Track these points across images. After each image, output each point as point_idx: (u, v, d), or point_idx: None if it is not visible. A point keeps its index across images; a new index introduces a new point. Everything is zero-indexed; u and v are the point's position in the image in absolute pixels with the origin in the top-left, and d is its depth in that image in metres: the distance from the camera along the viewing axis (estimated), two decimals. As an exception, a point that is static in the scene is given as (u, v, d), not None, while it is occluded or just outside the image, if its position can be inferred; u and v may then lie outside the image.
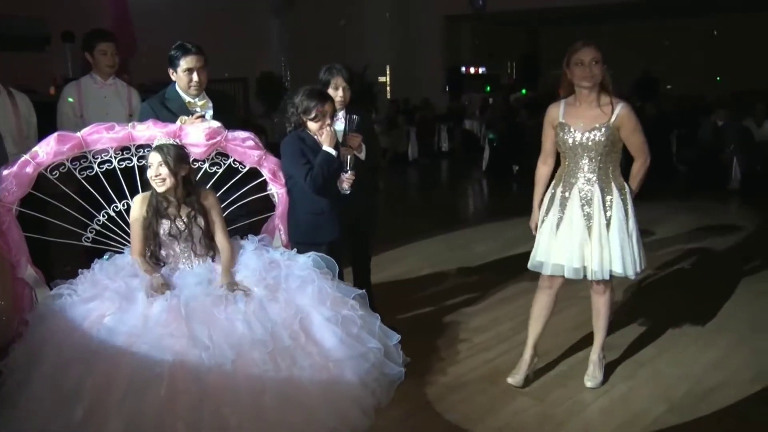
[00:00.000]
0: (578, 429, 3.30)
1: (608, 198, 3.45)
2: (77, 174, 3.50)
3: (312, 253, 3.46)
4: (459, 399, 3.58)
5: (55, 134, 3.46)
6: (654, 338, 4.32)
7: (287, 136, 3.72)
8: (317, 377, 3.01)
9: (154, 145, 3.33)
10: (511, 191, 10.94)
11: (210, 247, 3.42)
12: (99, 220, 3.60)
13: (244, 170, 3.81)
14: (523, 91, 16.97)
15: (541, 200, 3.70)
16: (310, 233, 3.72)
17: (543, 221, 3.64)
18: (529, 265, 3.70)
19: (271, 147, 3.89)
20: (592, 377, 3.68)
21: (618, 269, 3.47)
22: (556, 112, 3.56)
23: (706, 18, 16.87)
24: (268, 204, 3.96)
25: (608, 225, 3.44)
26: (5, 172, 3.31)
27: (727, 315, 4.74)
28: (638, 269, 3.52)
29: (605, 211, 3.45)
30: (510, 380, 3.66)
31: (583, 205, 3.48)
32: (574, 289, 5.21)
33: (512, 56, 21.41)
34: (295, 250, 3.56)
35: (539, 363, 3.86)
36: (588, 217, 3.47)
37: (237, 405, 2.80)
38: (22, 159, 3.36)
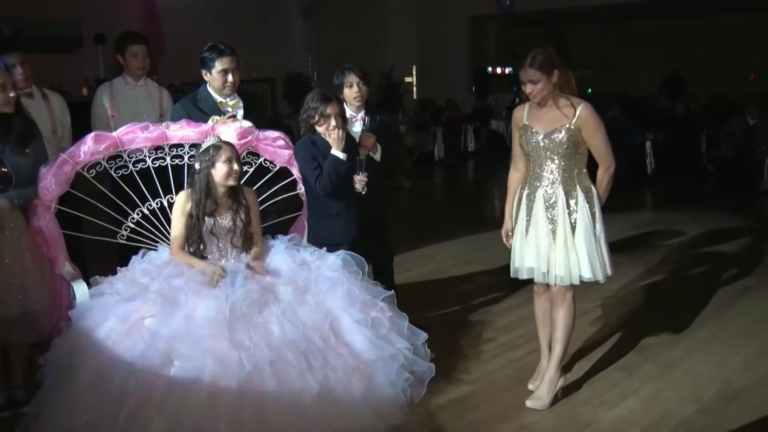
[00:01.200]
0: (606, 429, 3.30)
1: (572, 201, 3.35)
2: (113, 173, 3.59)
3: (342, 252, 3.50)
4: (485, 397, 3.60)
5: (92, 134, 3.54)
6: (682, 340, 4.30)
7: (299, 140, 3.75)
8: (351, 377, 3.05)
9: (210, 143, 3.38)
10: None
11: (248, 241, 3.48)
12: (133, 218, 3.68)
13: (275, 169, 3.86)
14: (589, 90, 16.87)
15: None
16: (327, 235, 3.74)
17: (515, 226, 3.56)
18: (511, 273, 3.63)
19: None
20: (536, 398, 3.49)
21: (587, 274, 3.37)
22: (521, 114, 3.47)
23: (734, 14, 16.64)
24: (298, 203, 4.01)
25: (573, 229, 3.35)
26: (45, 171, 3.39)
27: (757, 317, 4.70)
28: (608, 272, 3.44)
29: (570, 215, 3.35)
30: (530, 386, 3.63)
31: (547, 208, 3.38)
32: (594, 291, 5.23)
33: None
34: (324, 248, 3.59)
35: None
36: (552, 221, 3.37)
37: (277, 405, 2.84)
38: (61, 158, 3.44)
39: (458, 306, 4.90)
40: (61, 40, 11.25)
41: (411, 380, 3.22)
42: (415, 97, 17.10)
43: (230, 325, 2.96)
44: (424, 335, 3.41)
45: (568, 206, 3.35)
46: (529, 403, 3.48)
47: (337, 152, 3.58)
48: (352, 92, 3.97)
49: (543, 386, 3.52)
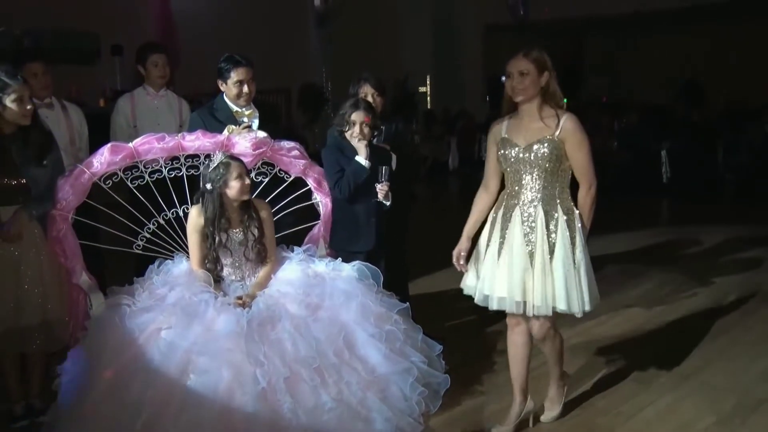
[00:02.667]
0: (623, 440, 3.28)
1: (552, 223, 3.08)
2: (129, 183, 3.61)
3: (357, 263, 3.50)
4: (499, 408, 3.58)
5: (109, 145, 3.56)
6: (699, 349, 4.26)
7: (326, 146, 3.79)
8: (365, 391, 3.04)
9: (220, 160, 3.37)
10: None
11: (261, 254, 3.49)
12: (149, 228, 3.70)
13: (290, 179, 3.88)
14: (565, 100, 16.83)
15: (475, 228, 3.39)
16: (346, 241, 3.78)
17: (486, 249, 3.27)
18: (476, 299, 3.30)
19: (312, 157, 3.95)
20: (547, 410, 3.47)
21: (562, 305, 3.06)
22: (500, 127, 3.23)
23: (753, 21, 16.53)
24: (313, 213, 4.02)
25: (552, 252, 3.06)
26: (62, 182, 3.42)
27: (776, 326, 4.65)
28: (586, 307, 3.09)
29: (548, 236, 3.07)
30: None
31: (524, 229, 3.12)
32: (609, 301, 5.20)
33: (553, 65, 21.25)
34: (340, 258, 3.60)
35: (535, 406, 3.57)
36: (530, 243, 3.10)
37: (293, 419, 2.85)
38: (78, 169, 3.47)
39: (473, 316, 4.87)
40: (79, 52, 11.37)
41: (426, 393, 3.20)
42: (428, 106, 17.11)
43: (247, 339, 2.97)
44: (439, 347, 3.40)
45: (548, 228, 3.09)
46: (542, 417, 3.46)
47: (360, 159, 3.60)
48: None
49: (550, 403, 3.48)
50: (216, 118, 3.94)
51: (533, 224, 3.11)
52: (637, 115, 11.42)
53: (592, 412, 3.52)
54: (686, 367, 4.02)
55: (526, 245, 3.11)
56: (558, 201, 3.12)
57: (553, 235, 3.08)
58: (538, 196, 3.12)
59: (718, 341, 4.38)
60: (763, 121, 9.98)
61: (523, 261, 3.11)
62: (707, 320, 4.75)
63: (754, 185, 9.67)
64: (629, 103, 13.15)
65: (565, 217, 3.10)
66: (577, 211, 3.14)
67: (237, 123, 3.89)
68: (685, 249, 6.86)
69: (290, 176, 3.87)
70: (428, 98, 17.73)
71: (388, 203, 3.74)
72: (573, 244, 3.08)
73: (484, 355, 4.23)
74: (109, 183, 3.55)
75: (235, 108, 3.97)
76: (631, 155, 10.74)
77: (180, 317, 3.06)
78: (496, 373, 4.00)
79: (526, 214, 3.14)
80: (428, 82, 17.63)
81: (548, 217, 3.10)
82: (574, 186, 3.19)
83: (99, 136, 4.40)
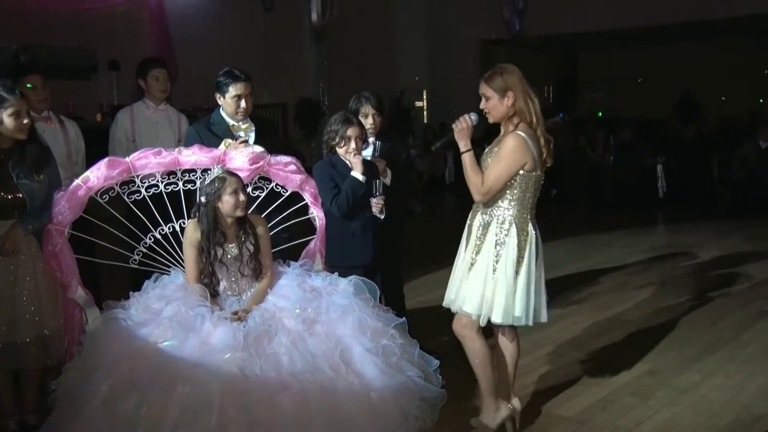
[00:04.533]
0: (621, 455, 3.26)
1: (486, 231, 3.19)
2: (126, 198, 3.61)
3: (353, 277, 3.50)
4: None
5: (106, 159, 3.57)
6: (697, 364, 4.26)
7: (319, 162, 3.79)
8: (360, 406, 3.03)
9: (218, 174, 3.37)
10: (549, 214, 10.88)
11: (257, 270, 3.48)
12: (146, 243, 3.69)
13: (286, 194, 3.88)
14: (561, 115, 16.90)
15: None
16: (343, 256, 3.76)
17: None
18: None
19: (308, 172, 3.95)
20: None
21: (453, 305, 3.28)
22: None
23: (745, 39, 16.65)
24: (310, 227, 4.01)
25: (476, 255, 3.20)
26: (58, 196, 3.42)
27: (773, 341, 4.64)
28: (493, 317, 3.16)
29: (476, 243, 3.21)
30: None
31: (476, 235, 3.24)
32: (606, 314, 5.20)
33: (549, 80, 21.36)
34: (336, 273, 3.59)
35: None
36: (477, 251, 3.23)
37: None
38: (75, 183, 3.47)
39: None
40: (76, 67, 11.38)
41: (422, 407, 3.19)
42: (425, 121, 17.15)
43: (243, 353, 2.96)
44: (436, 362, 3.38)
45: (480, 236, 3.19)
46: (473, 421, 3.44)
47: (357, 174, 3.60)
48: (366, 122, 3.98)
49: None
50: (213, 132, 3.94)
51: (484, 232, 3.22)
52: (632, 129, 11.47)
53: (590, 427, 3.51)
54: (683, 381, 4.01)
55: (474, 252, 3.24)
56: (497, 212, 3.19)
57: (478, 243, 3.20)
58: (486, 206, 3.22)
59: (715, 356, 4.37)
60: (757, 135, 10.02)
61: (461, 265, 3.29)
62: (703, 334, 4.75)
63: (748, 199, 9.69)
64: (625, 118, 13.22)
65: (517, 230, 3.15)
66: (532, 231, 3.19)
67: (234, 137, 3.89)
68: (681, 263, 6.87)
69: (287, 191, 3.87)
70: (425, 113, 17.77)
71: (382, 217, 3.74)
72: (497, 255, 3.15)
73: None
74: (105, 197, 3.55)
75: (231, 122, 3.98)
76: (627, 170, 10.78)
77: (176, 331, 3.05)
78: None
79: (480, 221, 3.25)
80: (425, 97, 17.70)
81: (485, 226, 3.20)
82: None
83: (96, 150, 4.41)
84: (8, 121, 3.23)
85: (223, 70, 3.96)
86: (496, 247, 3.16)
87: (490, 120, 3.27)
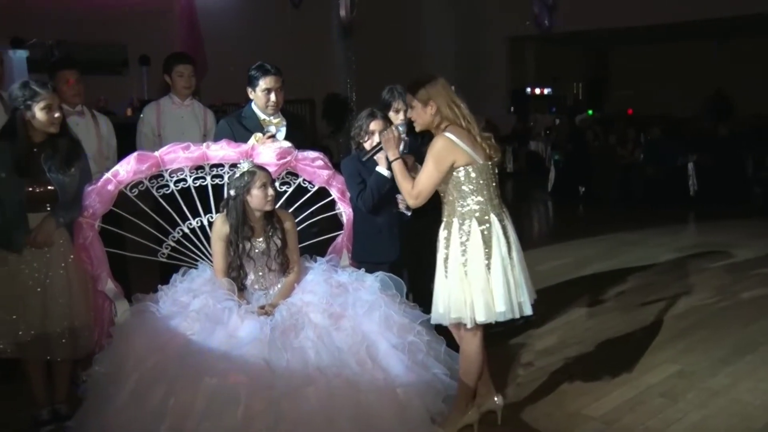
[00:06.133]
0: (649, 457, 3.22)
1: (445, 232, 3.23)
2: (155, 192, 3.64)
3: (380, 273, 3.49)
4: (524, 422, 3.54)
5: (135, 154, 3.60)
6: (729, 366, 4.18)
7: (346, 157, 3.79)
8: (386, 401, 3.03)
9: (246, 169, 3.40)
10: (577, 213, 10.80)
11: (284, 265, 3.49)
12: (174, 236, 3.72)
13: (313, 189, 3.88)
14: (590, 111, 16.74)
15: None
16: (369, 252, 3.76)
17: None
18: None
19: (336, 167, 3.96)
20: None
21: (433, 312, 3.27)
22: None
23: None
24: (337, 223, 4.01)
25: (446, 262, 3.21)
26: (89, 190, 3.46)
27: (808, 343, 4.54)
28: (443, 320, 3.22)
29: (445, 251, 3.23)
30: None
31: (437, 249, 3.30)
32: (634, 314, 5.13)
33: (578, 77, 21.16)
34: (363, 269, 3.59)
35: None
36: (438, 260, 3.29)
37: (312, 428, 2.84)
38: (105, 177, 3.51)
39: (498, 328, 4.83)
40: (107, 63, 11.58)
41: (448, 403, 3.18)
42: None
43: (270, 346, 2.97)
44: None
45: (461, 236, 3.17)
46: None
47: (382, 169, 3.58)
48: (397, 118, 3.96)
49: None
50: (244, 126, 3.97)
51: (439, 243, 3.28)
52: (663, 127, 11.31)
53: (618, 428, 3.46)
54: (714, 383, 3.94)
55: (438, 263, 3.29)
56: (455, 213, 3.20)
57: (446, 251, 3.22)
58: (446, 213, 3.26)
59: (747, 358, 4.28)
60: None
61: (438, 278, 3.29)
62: (735, 336, 4.66)
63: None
64: (655, 116, 13.04)
65: (458, 226, 3.18)
66: (477, 227, 3.15)
67: (264, 131, 3.91)
68: (712, 262, 6.75)
69: (314, 186, 3.87)
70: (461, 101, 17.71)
71: (409, 213, 3.73)
72: (464, 253, 3.15)
73: (508, 367, 4.19)
74: (135, 191, 3.58)
75: (262, 116, 4.00)
76: (657, 168, 10.63)
77: (204, 324, 3.08)
78: (521, 386, 3.95)
79: (440, 233, 3.29)
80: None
81: (448, 232, 3.22)
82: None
83: (125, 144, 4.46)
84: (40, 115, 3.28)
85: (256, 64, 3.98)
86: (461, 247, 3.16)
87: (417, 128, 3.35)
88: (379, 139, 3.62)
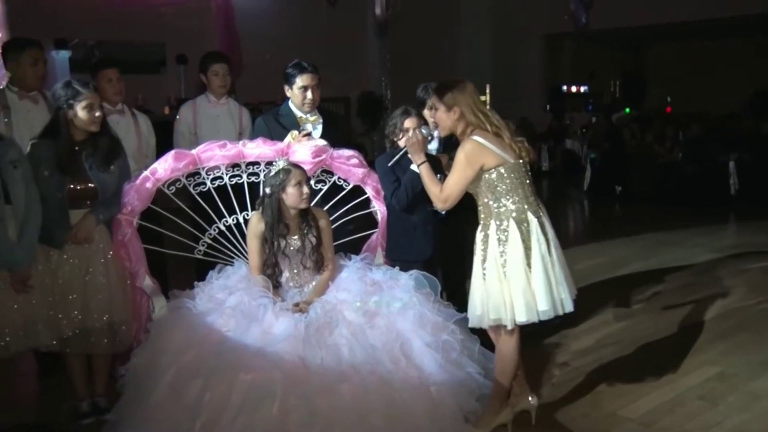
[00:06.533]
0: (688, 460, 3.17)
1: (488, 236, 3.19)
2: (191, 189, 3.68)
3: (414, 272, 3.49)
4: (559, 422, 3.51)
5: (173, 152, 3.65)
6: (769, 370, 4.09)
7: (381, 155, 3.80)
8: (419, 399, 3.03)
9: (282, 167, 3.43)
10: (614, 212, 10.66)
11: (319, 262, 3.51)
12: (210, 234, 3.76)
13: (348, 187, 3.89)
14: (627, 110, 16.51)
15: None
16: (403, 250, 3.76)
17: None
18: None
19: (370, 165, 3.96)
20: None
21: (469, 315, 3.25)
22: None
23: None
24: (372, 221, 4.02)
25: (485, 264, 3.18)
26: (128, 187, 3.51)
27: None
28: (475, 322, 3.22)
29: (482, 252, 3.20)
30: None
31: (474, 251, 3.30)
32: (672, 315, 5.04)
33: (615, 74, 20.89)
34: (397, 267, 3.59)
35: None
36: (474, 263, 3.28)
37: (346, 424, 2.85)
38: (143, 175, 3.56)
39: (533, 327, 4.79)
40: (146, 62, 11.77)
41: (482, 402, 3.17)
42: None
43: (304, 343, 2.98)
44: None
45: (498, 237, 3.16)
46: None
47: (416, 167, 3.58)
48: (431, 113, 3.96)
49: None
50: (280, 124, 4.00)
51: (476, 245, 3.27)
52: (702, 125, 11.09)
53: (656, 430, 3.41)
54: (755, 386, 3.85)
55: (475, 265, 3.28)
56: (492, 215, 3.18)
57: (483, 252, 3.20)
58: (479, 208, 3.25)
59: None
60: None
61: (475, 281, 3.28)
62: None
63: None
64: (694, 114, 12.81)
65: (497, 231, 3.15)
66: (494, 226, 3.16)
67: (300, 129, 3.93)
68: (752, 263, 6.60)
69: (348, 184, 3.89)
70: (489, 107, 17.60)
71: (443, 212, 3.72)
72: (503, 254, 3.14)
73: (543, 367, 4.16)
74: (172, 189, 3.63)
75: (299, 114, 4.02)
76: (696, 166, 10.44)
77: (239, 321, 3.11)
78: (556, 386, 3.92)
79: (477, 235, 3.29)
80: (488, 91, 17.53)
81: (485, 234, 3.21)
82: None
83: (163, 143, 4.52)
84: (82, 114, 3.34)
85: (293, 62, 4.01)
86: (500, 248, 3.13)
87: (441, 133, 3.40)
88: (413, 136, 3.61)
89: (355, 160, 3.84)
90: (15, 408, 3.49)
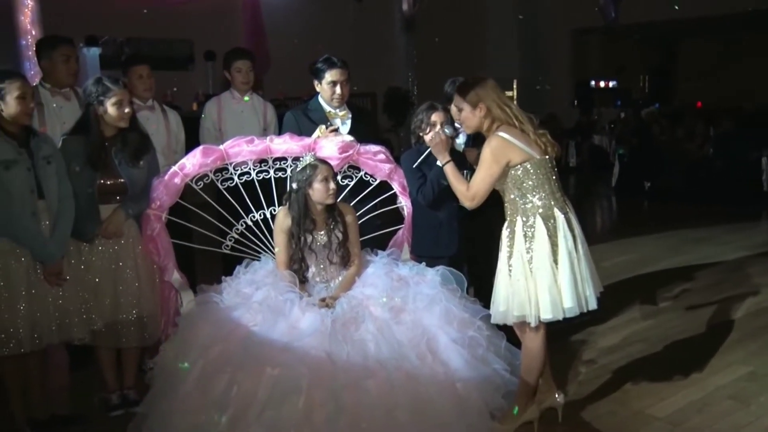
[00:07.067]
0: (718, 460, 3.13)
1: (514, 232, 3.16)
2: (219, 185, 3.71)
3: (441, 267, 3.49)
4: (584, 421, 3.48)
5: (201, 147, 3.69)
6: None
7: (407, 151, 3.80)
8: (445, 395, 3.03)
9: (309, 162, 3.44)
10: (642, 208, 10.54)
11: (345, 258, 3.52)
12: (238, 229, 3.79)
13: (375, 183, 3.90)
14: (657, 105, 16.29)
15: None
16: (429, 246, 3.76)
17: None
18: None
19: (397, 161, 3.96)
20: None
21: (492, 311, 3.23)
22: None
23: None
24: (400, 216, 4.02)
25: (510, 260, 3.16)
26: (156, 182, 3.55)
27: None
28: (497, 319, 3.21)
29: (508, 248, 3.18)
30: None
31: (500, 247, 3.27)
32: (702, 314, 4.97)
33: (644, 69, 20.62)
34: (424, 263, 3.59)
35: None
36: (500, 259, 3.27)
37: (372, 420, 2.86)
38: (172, 170, 3.60)
39: (560, 324, 4.76)
40: (175, 58, 11.89)
41: (508, 399, 3.17)
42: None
43: (331, 338, 3.00)
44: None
45: (525, 233, 3.13)
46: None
47: (442, 163, 3.56)
48: (457, 115, 3.95)
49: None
50: (310, 119, 4.01)
51: (502, 241, 3.25)
52: (733, 121, 10.90)
53: (685, 429, 3.37)
54: (789, 387, 3.80)
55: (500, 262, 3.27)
56: (519, 211, 3.16)
57: (509, 248, 3.18)
58: (509, 212, 3.22)
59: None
60: None
61: (501, 277, 3.26)
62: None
63: None
64: (725, 109, 12.59)
65: (523, 227, 3.13)
66: (520, 221, 3.14)
67: (329, 124, 3.95)
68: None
69: (375, 180, 3.89)
70: (515, 102, 17.49)
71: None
72: (530, 250, 3.12)
73: (569, 365, 4.13)
74: (200, 184, 3.66)
75: (328, 109, 4.04)
76: (728, 163, 10.27)
77: (266, 315, 3.13)
78: (583, 384, 3.89)
79: (503, 232, 3.27)
80: (515, 87, 17.42)
81: (511, 230, 3.19)
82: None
83: (191, 138, 4.57)
84: (111, 110, 3.39)
85: (323, 57, 4.02)
86: (526, 244, 3.11)
87: (467, 131, 3.40)
88: (442, 130, 3.59)
89: (381, 156, 3.84)
90: (48, 399, 3.55)
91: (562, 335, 4.47)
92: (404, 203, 3.94)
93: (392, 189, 3.93)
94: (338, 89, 3.97)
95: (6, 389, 3.36)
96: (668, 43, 20.54)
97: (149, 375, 3.23)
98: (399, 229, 4.02)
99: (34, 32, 9.13)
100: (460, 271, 3.59)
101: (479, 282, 4.04)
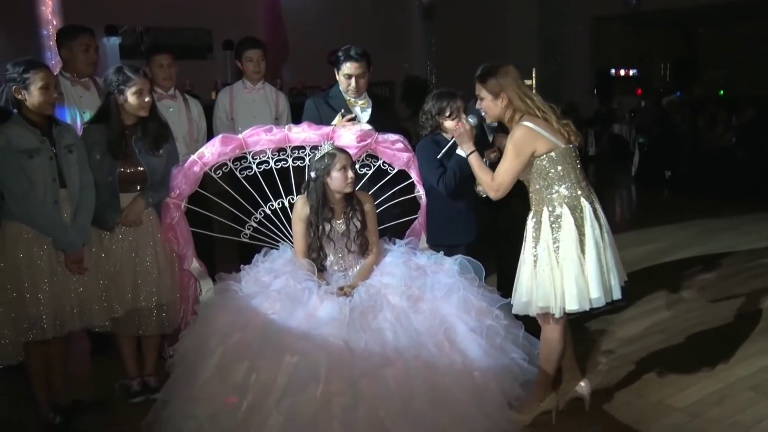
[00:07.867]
0: (738, 452, 3.11)
1: (540, 221, 3.14)
2: (238, 174, 3.73)
3: (459, 256, 3.49)
4: (603, 411, 3.47)
5: (220, 136, 3.70)
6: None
7: (422, 141, 3.78)
8: (463, 384, 3.03)
9: (327, 151, 3.45)
10: (663, 198, 10.44)
11: (363, 246, 3.53)
12: (256, 218, 3.81)
13: (393, 172, 3.89)
14: (678, 93, 16.11)
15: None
16: (446, 235, 3.76)
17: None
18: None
19: (415, 150, 3.95)
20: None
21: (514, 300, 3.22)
22: None
23: None
24: (417, 205, 4.01)
25: (536, 248, 3.14)
26: (176, 171, 3.57)
27: None
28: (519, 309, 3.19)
29: (534, 236, 3.16)
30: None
31: (525, 236, 3.26)
32: (725, 305, 4.92)
33: (666, 57, 20.37)
34: (442, 252, 3.59)
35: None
36: (524, 248, 3.26)
37: (390, 408, 2.87)
38: (191, 159, 3.61)
39: (579, 313, 4.74)
40: (194, 48, 11.92)
41: (525, 388, 3.17)
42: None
43: (349, 327, 3.01)
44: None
45: (552, 223, 3.11)
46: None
47: (462, 152, 3.54)
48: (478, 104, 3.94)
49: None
50: (330, 106, 4.03)
51: (527, 229, 3.23)
52: (756, 109, 10.74)
53: (704, 421, 3.35)
54: (810, 378, 3.76)
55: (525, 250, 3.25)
56: (545, 200, 3.14)
57: (535, 236, 3.16)
58: (534, 202, 3.20)
59: None
60: None
61: (525, 267, 3.24)
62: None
63: None
64: (748, 97, 12.42)
65: (550, 216, 3.11)
66: (547, 212, 3.12)
67: (350, 111, 3.95)
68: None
69: (393, 169, 3.88)
70: (534, 91, 17.36)
71: (485, 195, 3.69)
72: (556, 240, 3.09)
73: (588, 355, 4.12)
74: (219, 173, 3.68)
75: (348, 97, 4.04)
76: (750, 152, 10.13)
77: (284, 303, 3.14)
78: (602, 374, 3.88)
79: (529, 220, 3.25)
80: (533, 75, 17.28)
81: (537, 219, 3.17)
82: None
83: (210, 127, 4.59)
84: (132, 99, 3.41)
85: (344, 47, 4.02)
86: (553, 234, 3.09)
87: (488, 120, 3.37)
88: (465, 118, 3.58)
89: (400, 145, 3.83)
90: (70, 385, 3.60)
91: (581, 325, 4.46)
92: (422, 192, 3.94)
93: (410, 178, 3.92)
94: (353, 82, 3.97)
95: (30, 375, 3.41)
96: (690, 30, 20.27)
97: (169, 362, 3.26)
98: (417, 218, 4.01)
99: (55, 22, 9.21)
100: (478, 260, 3.58)
101: (508, 273, 4.04)
